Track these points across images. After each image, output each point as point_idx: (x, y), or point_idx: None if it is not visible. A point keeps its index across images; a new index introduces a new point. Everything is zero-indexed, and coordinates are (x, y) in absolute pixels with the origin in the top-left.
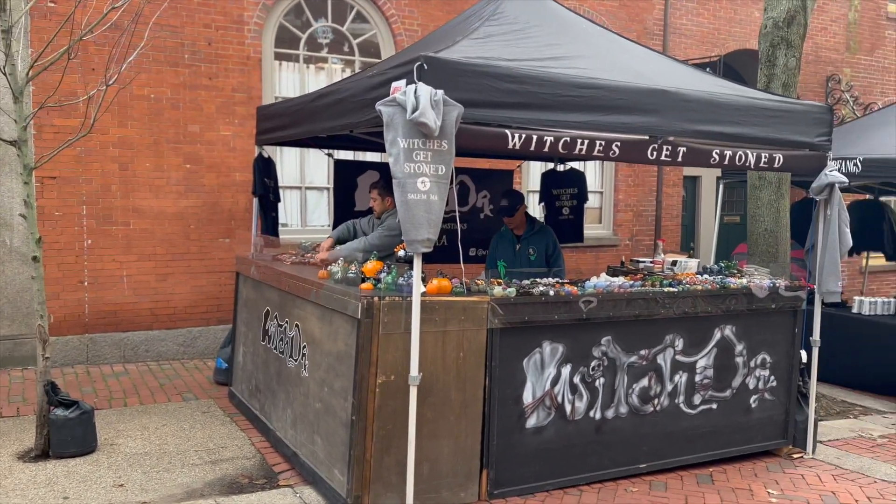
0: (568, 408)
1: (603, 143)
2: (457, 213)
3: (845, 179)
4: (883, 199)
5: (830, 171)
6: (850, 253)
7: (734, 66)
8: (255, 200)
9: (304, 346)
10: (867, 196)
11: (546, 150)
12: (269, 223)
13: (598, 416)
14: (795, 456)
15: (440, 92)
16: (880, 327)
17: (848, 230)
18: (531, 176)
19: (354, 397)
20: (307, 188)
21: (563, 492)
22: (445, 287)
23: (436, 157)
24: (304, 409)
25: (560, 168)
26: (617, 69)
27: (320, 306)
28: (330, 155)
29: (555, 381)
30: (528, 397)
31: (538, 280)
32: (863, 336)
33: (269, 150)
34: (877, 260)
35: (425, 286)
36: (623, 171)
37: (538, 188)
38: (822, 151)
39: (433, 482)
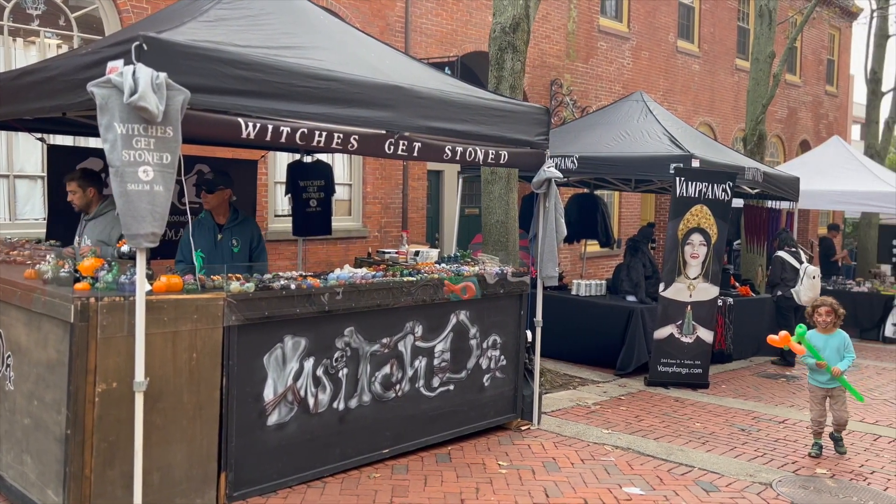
0: (311, 401)
1: (341, 135)
2: (188, 206)
3: (560, 175)
4: (597, 192)
5: (548, 167)
6: (570, 241)
7: (472, 67)
8: None
9: (9, 356)
10: (584, 189)
11: (283, 140)
12: None
13: (341, 406)
14: (523, 428)
15: (163, 75)
16: (594, 306)
17: (563, 220)
18: (277, 167)
19: (69, 409)
20: (16, 177)
21: (307, 486)
22: (175, 284)
23: (160, 145)
24: (11, 427)
25: (307, 160)
26: (354, 63)
27: (26, 310)
28: (42, 140)
29: (297, 376)
30: (269, 394)
31: (280, 273)
32: (580, 315)
33: None
34: (593, 247)
35: (152, 284)
36: (371, 165)
37: (284, 179)
38: (541, 149)
39: (165, 491)
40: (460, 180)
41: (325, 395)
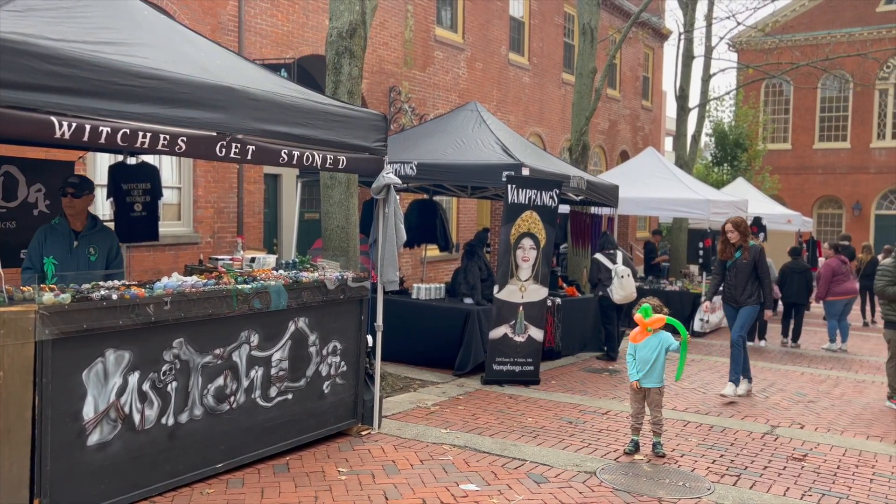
0: (137, 417)
1: (168, 137)
2: None
3: (399, 181)
4: (436, 198)
5: (387, 173)
6: (411, 245)
7: (309, 70)
8: None
9: None
10: (423, 195)
11: (103, 141)
12: None
13: (170, 421)
14: (364, 433)
15: None
16: (433, 309)
17: (402, 226)
18: (98, 168)
19: None
20: None
21: None
22: None
23: None
24: None
25: (131, 161)
26: (181, 61)
27: None
28: None
29: (121, 391)
30: (89, 412)
31: (100, 283)
32: (421, 318)
33: None
34: (432, 251)
35: None
36: (202, 167)
37: (106, 182)
38: (380, 155)
39: None
40: (299, 184)
41: (153, 410)
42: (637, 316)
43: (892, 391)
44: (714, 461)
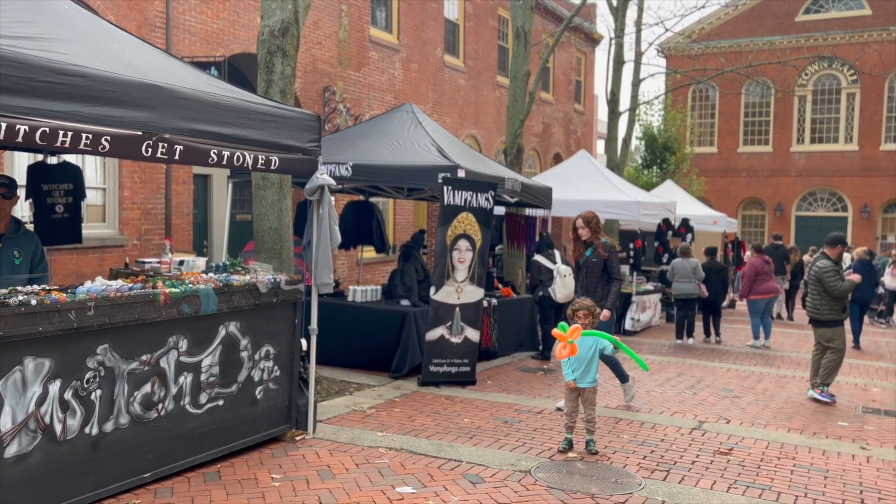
0: (58, 427)
1: (90, 136)
2: None
3: (333, 182)
4: (372, 199)
5: (321, 174)
6: (347, 247)
7: (240, 69)
8: None
9: None
10: (360, 197)
11: (20, 140)
12: None
13: (94, 431)
14: (298, 438)
15: None
16: (369, 312)
17: (337, 227)
18: (16, 168)
19: None
20: None
21: None
22: None
23: None
24: None
25: (51, 161)
26: (105, 58)
27: None
28: None
29: (41, 401)
30: (6, 423)
31: (18, 288)
32: (357, 320)
33: None
34: (369, 253)
35: None
36: (128, 167)
37: (25, 182)
38: (314, 156)
39: None
40: (230, 185)
41: (76, 419)
42: (555, 332)
43: (821, 382)
44: (645, 457)
